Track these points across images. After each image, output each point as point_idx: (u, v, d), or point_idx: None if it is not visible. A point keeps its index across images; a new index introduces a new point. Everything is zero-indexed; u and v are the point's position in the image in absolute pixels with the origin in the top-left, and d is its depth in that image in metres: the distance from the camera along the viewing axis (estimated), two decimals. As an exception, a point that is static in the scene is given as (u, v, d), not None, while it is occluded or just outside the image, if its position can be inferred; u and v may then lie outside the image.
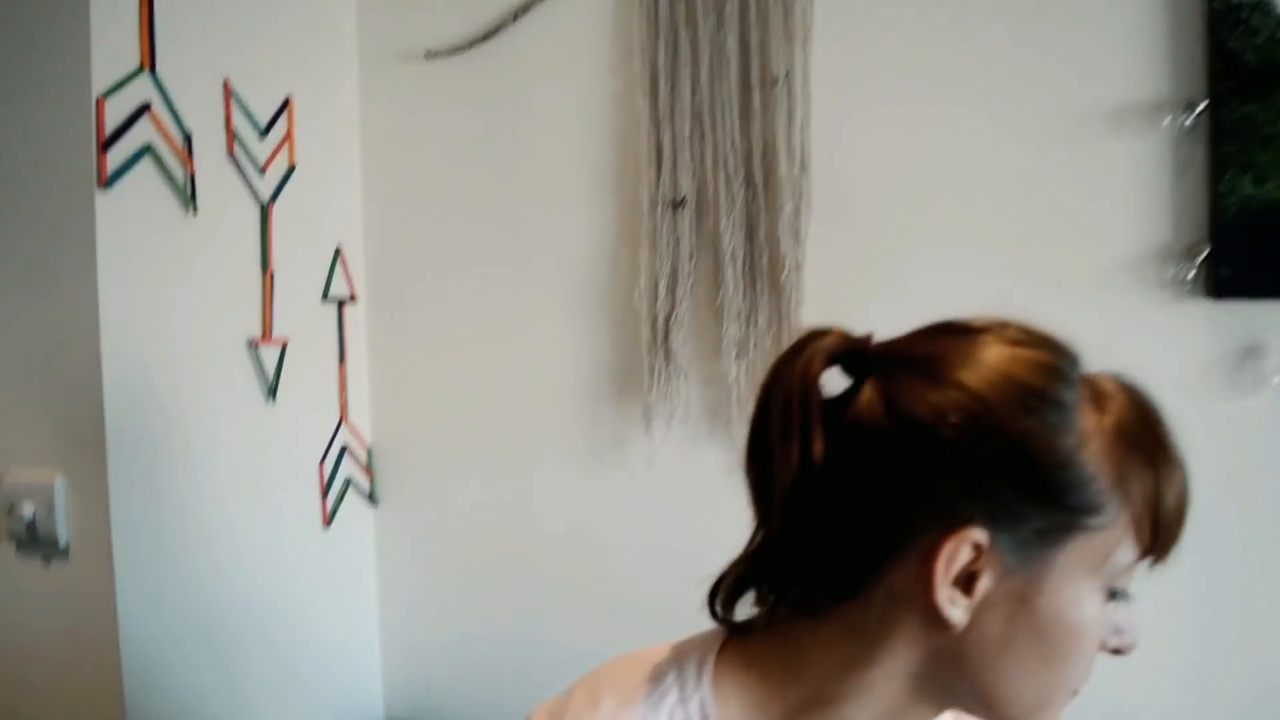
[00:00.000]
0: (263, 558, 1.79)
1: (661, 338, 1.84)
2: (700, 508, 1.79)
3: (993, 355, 0.68)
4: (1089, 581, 0.68)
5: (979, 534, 0.65)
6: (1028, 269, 1.62)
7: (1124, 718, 1.37)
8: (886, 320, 0.78)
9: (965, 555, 0.65)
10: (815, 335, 0.72)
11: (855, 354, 0.72)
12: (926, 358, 0.69)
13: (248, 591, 1.76)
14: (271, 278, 1.76)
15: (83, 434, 1.44)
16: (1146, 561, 0.71)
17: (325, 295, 1.93)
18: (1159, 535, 0.69)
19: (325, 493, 1.93)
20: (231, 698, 1.72)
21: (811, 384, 0.69)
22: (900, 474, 0.66)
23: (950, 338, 0.71)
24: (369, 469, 2.06)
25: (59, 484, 1.46)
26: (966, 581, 0.66)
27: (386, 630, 2.15)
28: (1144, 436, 0.69)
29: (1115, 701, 1.31)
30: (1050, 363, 0.69)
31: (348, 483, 2.00)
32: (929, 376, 0.68)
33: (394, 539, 2.11)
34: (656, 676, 0.75)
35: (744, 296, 1.79)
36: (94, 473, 1.44)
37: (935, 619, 0.66)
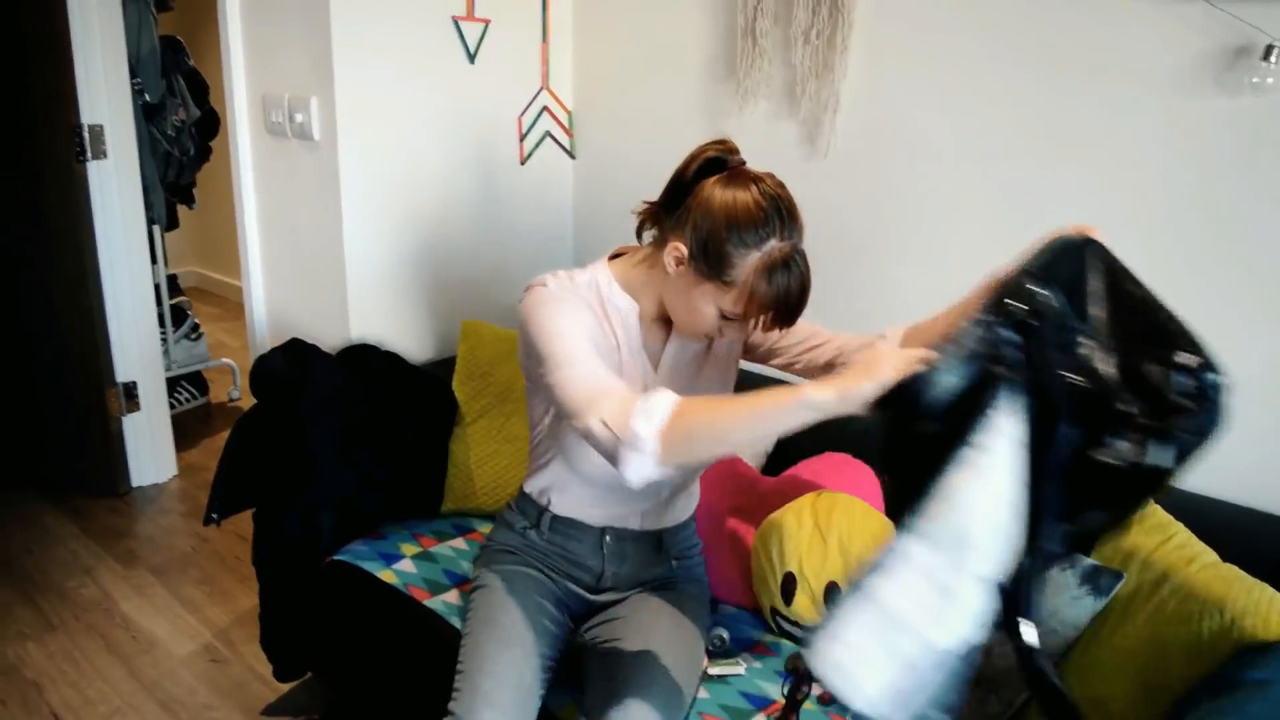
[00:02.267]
0: (467, 182, 2.52)
1: (750, 24, 2.22)
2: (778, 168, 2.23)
3: (744, 196, 1.42)
4: (712, 300, 1.47)
5: (683, 249, 1.46)
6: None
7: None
8: None
9: (676, 252, 1.47)
10: (718, 142, 1.51)
11: (727, 160, 1.49)
12: (728, 178, 1.45)
13: (456, 211, 2.51)
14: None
15: (326, 72, 2.22)
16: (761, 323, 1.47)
17: (530, -14, 2.53)
18: (753, 319, 1.46)
19: (522, 138, 2.61)
20: (434, 274, 2.53)
21: (699, 154, 1.49)
22: (686, 207, 1.47)
23: (748, 179, 1.44)
24: (569, 129, 2.70)
25: (314, 101, 2.27)
26: (678, 260, 1.47)
27: (578, 259, 2.85)
28: (770, 282, 1.41)
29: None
30: (759, 220, 1.40)
31: (546, 134, 2.66)
32: (717, 185, 1.45)
33: (587, 185, 2.75)
34: (574, 273, 1.62)
35: (811, -12, 2.11)
36: (330, 97, 2.23)
37: (667, 265, 1.50)
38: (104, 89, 3.04)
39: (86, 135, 3.03)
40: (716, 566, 1.95)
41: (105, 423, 3.29)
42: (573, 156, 2.75)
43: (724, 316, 1.49)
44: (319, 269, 2.41)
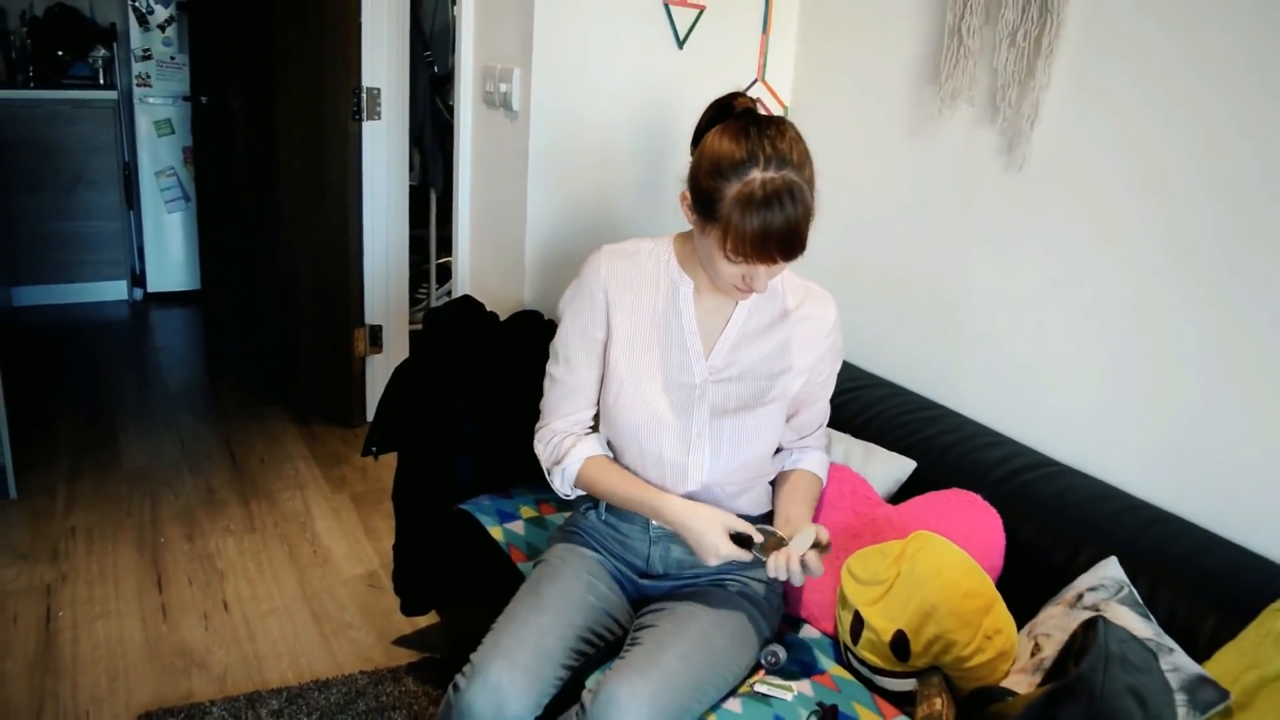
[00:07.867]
0: (663, 165, 2.53)
1: (958, 21, 2.06)
2: (975, 178, 2.09)
3: (728, 144, 1.46)
4: (714, 244, 1.49)
5: (687, 194, 1.55)
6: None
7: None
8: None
9: (683, 199, 1.56)
10: (734, 94, 1.56)
11: (733, 106, 1.54)
12: (727, 121, 1.50)
13: (645, 196, 2.52)
14: (690, -46, 2.38)
15: (527, 43, 2.31)
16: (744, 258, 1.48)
17: (753, -24, 2.49)
18: (746, 257, 1.47)
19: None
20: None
21: (715, 104, 1.57)
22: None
23: (745, 120, 1.48)
24: (783, 125, 2.63)
25: (516, 72, 2.36)
26: (685, 203, 1.56)
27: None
28: (745, 213, 1.43)
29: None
30: (737, 161, 1.44)
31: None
32: (716, 129, 1.50)
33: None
34: (641, 243, 1.72)
35: (1022, -14, 1.92)
36: (529, 69, 2.32)
37: (684, 214, 1.58)
38: (384, 56, 3.34)
39: (364, 97, 3.35)
40: (812, 584, 1.83)
41: (350, 360, 3.61)
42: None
43: (728, 259, 1.49)
44: (506, 235, 2.51)
